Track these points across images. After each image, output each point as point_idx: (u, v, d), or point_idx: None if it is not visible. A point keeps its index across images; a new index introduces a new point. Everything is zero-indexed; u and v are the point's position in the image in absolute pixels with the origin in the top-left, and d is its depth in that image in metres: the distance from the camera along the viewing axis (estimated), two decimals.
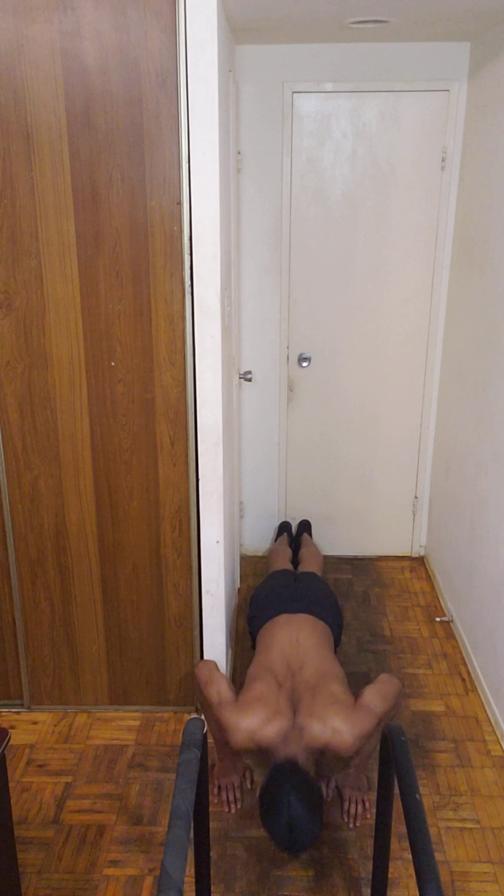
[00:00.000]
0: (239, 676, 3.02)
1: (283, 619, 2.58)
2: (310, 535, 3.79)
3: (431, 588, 3.68)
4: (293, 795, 1.95)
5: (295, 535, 3.83)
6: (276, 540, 3.77)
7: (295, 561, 3.44)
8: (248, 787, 2.47)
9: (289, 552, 3.47)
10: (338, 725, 2.11)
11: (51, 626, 2.72)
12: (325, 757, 2.58)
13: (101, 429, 2.48)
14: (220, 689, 2.29)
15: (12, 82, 2.15)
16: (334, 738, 2.10)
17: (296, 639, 2.48)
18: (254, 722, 2.14)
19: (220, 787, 2.43)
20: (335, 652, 2.57)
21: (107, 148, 2.20)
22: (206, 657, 2.73)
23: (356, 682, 2.98)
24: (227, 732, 2.15)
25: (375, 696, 2.21)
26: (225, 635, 2.71)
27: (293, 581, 2.86)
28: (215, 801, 2.42)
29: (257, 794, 2.03)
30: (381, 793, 1.87)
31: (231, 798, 2.39)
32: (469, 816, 2.35)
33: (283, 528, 3.82)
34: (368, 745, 2.37)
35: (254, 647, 2.65)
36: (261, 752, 2.51)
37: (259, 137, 3.33)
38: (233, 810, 2.37)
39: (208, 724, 2.41)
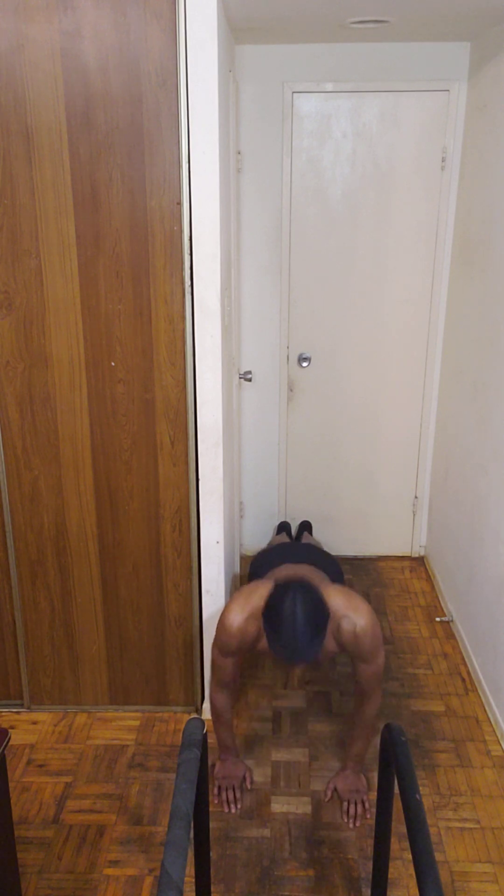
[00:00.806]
0: (238, 677, 3.02)
1: (285, 566, 2.61)
2: (310, 534, 3.79)
3: (431, 588, 3.68)
4: (298, 594, 1.96)
5: (295, 536, 3.83)
6: (275, 536, 3.79)
7: None
8: (249, 787, 2.47)
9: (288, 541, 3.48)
10: (360, 604, 2.18)
11: (51, 626, 2.72)
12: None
13: (101, 429, 2.48)
14: (213, 659, 2.34)
15: (12, 82, 2.15)
16: (353, 612, 2.15)
17: (298, 574, 2.49)
18: (237, 603, 2.20)
19: (220, 788, 2.43)
20: None
21: (107, 148, 2.20)
22: (206, 657, 2.73)
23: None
24: (221, 634, 2.20)
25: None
26: None
27: (294, 544, 2.89)
28: (215, 801, 2.42)
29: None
30: (381, 793, 1.86)
31: (231, 798, 2.39)
32: (469, 816, 2.35)
33: (283, 527, 3.83)
34: (360, 743, 2.37)
35: None
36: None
37: (259, 137, 3.33)
38: (233, 810, 2.37)
39: (216, 715, 2.41)
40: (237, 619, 2.21)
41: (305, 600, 1.97)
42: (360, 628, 2.17)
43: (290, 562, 2.64)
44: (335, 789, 2.44)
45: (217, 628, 2.26)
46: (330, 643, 2.23)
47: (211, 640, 2.70)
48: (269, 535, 3.97)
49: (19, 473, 2.53)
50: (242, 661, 2.31)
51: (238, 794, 2.41)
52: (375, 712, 2.34)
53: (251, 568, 2.78)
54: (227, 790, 2.41)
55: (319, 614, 1.98)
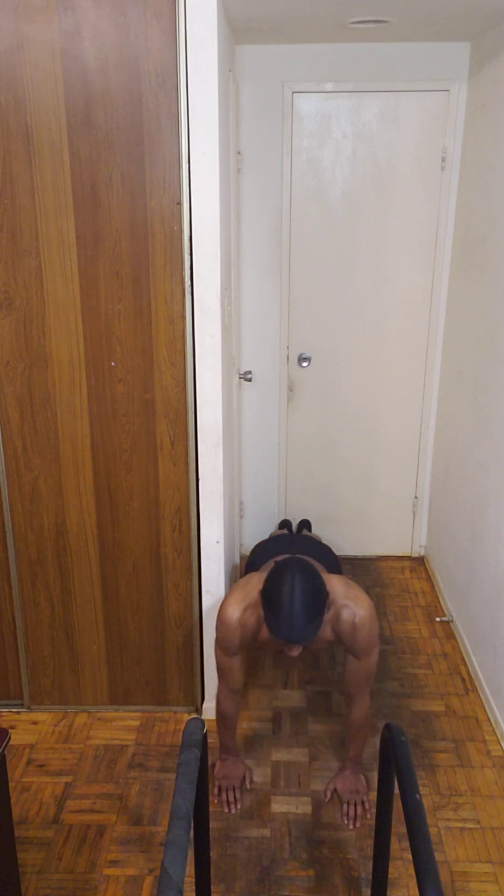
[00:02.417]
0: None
1: (284, 557, 2.59)
2: (309, 532, 3.80)
3: (431, 588, 3.68)
4: (297, 573, 1.95)
5: (295, 532, 3.83)
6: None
7: None
8: (248, 787, 2.47)
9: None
10: (360, 595, 2.17)
11: (51, 626, 2.72)
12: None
13: (101, 429, 2.48)
14: (217, 660, 2.33)
15: (12, 82, 2.15)
16: (353, 602, 2.14)
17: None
18: (234, 595, 2.19)
19: (220, 788, 2.43)
20: None
21: (107, 148, 2.20)
22: (206, 657, 2.73)
23: None
24: (221, 630, 2.20)
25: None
26: None
27: (294, 536, 2.89)
28: (215, 801, 2.41)
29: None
30: (381, 793, 1.86)
31: (231, 798, 2.39)
32: (469, 816, 2.35)
33: (284, 524, 3.83)
34: (355, 745, 2.37)
35: None
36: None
37: (259, 137, 3.33)
38: (233, 811, 2.37)
39: (222, 718, 2.42)
40: (235, 611, 2.21)
41: (305, 579, 1.96)
42: (359, 619, 2.16)
43: (289, 553, 2.63)
44: (335, 790, 2.44)
45: (217, 626, 2.26)
46: (326, 631, 2.22)
47: (211, 640, 2.69)
48: (268, 535, 3.97)
49: (19, 473, 2.53)
50: (247, 660, 2.30)
51: (238, 795, 2.41)
52: (365, 714, 2.34)
53: (250, 557, 2.78)
54: (227, 790, 2.41)
55: (318, 595, 1.97)
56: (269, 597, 1.99)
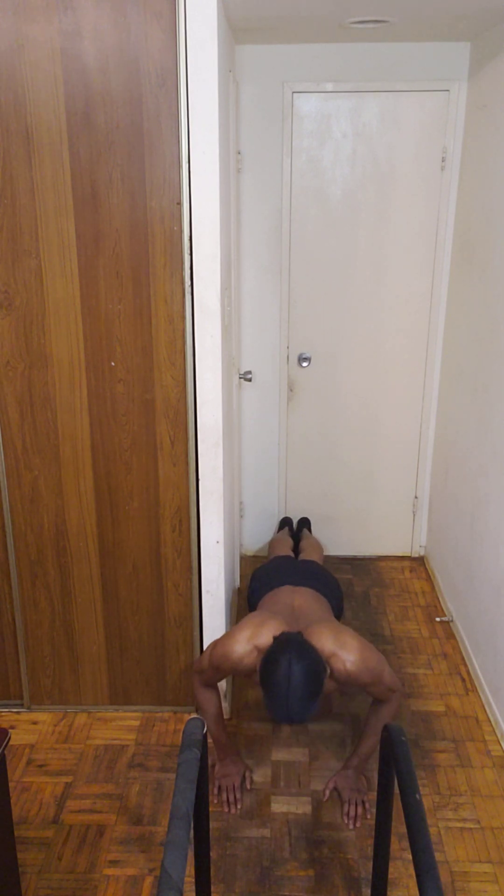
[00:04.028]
0: (238, 677, 3.02)
1: (286, 588, 2.60)
2: (309, 531, 3.80)
3: (431, 588, 3.68)
4: (294, 657, 1.94)
5: (295, 531, 3.84)
6: (277, 532, 3.79)
7: (296, 551, 3.45)
8: (248, 787, 2.47)
9: (290, 542, 3.49)
10: (348, 640, 2.15)
11: (51, 626, 2.72)
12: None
13: (101, 429, 2.48)
14: (201, 664, 2.32)
15: (12, 82, 2.15)
16: (341, 650, 2.12)
17: (297, 603, 2.48)
18: (245, 633, 2.19)
19: (220, 788, 2.43)
20: None
21: (107, 148, 2.20)
22: None
23: None
24: (220, 656, 2.19)
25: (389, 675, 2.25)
26: None
27: (295, 562, 2.88)
28: (215, 801, 2.42)
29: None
30: (381, 793, 1.86)
31: (231, 798, 2.39)
32: (469, 816, 2.35)
33: (285, 522, 3.84)
34: (369, 743, 2.37)
35: None
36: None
37: (259, 137, 3.33)
38: (233, 811, 2.37)
39: (205, 713, 2.41)
40: (240, 650, 2.19)
41: (301, 664, 1.94)
42: (350, 664, 2.13)
43: (291, 583, 2.63)
44: (335, 788, 2.43)
45: (217, 648, 2.24)
46: (329, 685, 2.20)
47: (211, 640, 2.70)
48: (269, 535, 3.97)
49: (19, 473, 2.53)
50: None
51: (238, 795, 2.41)
52: (392, 714, 2.33)
53: (251, 583, 2.79)
54: (227, 790, 2.41)
55: (314, 680, 1.95)
56: (266, 680, 1.97)
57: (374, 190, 3.39)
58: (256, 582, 2.76)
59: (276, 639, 2.05)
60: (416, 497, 3.89)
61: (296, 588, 2.60)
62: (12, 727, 2.76)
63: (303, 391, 3.71)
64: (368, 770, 2.53)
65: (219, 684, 2.72)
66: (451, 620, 3.35)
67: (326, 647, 2.14)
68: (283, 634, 2.06)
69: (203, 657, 2.33)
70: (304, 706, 1.93)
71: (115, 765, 2.57)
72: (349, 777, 2.42)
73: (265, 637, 2.19)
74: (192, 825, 1.55)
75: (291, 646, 1.98)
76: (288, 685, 1.92)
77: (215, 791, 2.43)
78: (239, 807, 2.40)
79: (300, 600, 2.50)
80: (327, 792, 2.43)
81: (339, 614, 2.69)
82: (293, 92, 3.28)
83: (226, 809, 2.38)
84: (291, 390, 3.72)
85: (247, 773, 2.49)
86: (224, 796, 2.40)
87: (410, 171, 3.36)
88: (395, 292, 3.54)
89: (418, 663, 3.10)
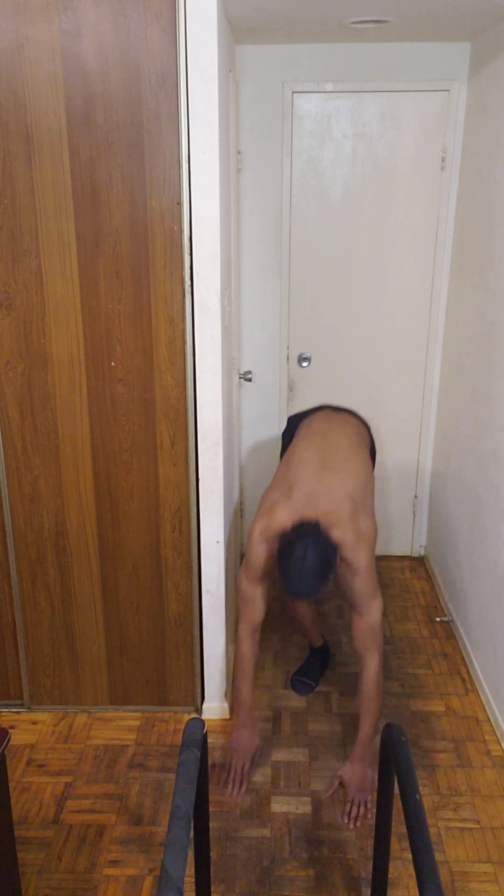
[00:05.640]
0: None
1: (325, 412, 2.71)
2: None
3: (431, 588, 3.68)
4: (311, 543, 2.13)
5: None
6: None
7: None
8: (255, 761, 2.49)
9: None
10: (361, 537, 2.29)
11: (51, 626, 2.72)
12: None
13: (101, 429, 2.48)
14: (242, 590, 2.46)
15: (12, 82, 2.15)
16: (355, 544, 2.27)
17: (332, 439, 2.56)
18: (263, 519, 2.34)
19: (230, 766, 2.44)
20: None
21: (107, 148, 2.20)
22: (206, 657, 2.73)
23: (356, 682, 2.98)
24: (250, 549, 2.35)
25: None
26: (225, 635, 2.71)
27: (332, 413, 2.91)
28: (220, 782, 2.43)
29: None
30: (381, 793, 1.86)
31: (238, 779, 2.41)
32: (469, 816, 2.35)
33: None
34: (365, 726, 2.39)
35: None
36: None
37: (259, 137, 3.33)
38: (236, 794, 2.38)
39: (239, 666, 2.49)
40: (260, 540, 2.35)
41: (314, 553, 2.12)
42: (354, 567, 2.28)
43: (332, 409, 2.74)
44: (341, 783, 2.42)
45: (247, 548, 2.39)
46: (340, 567, 2.33)
47: (211, 640, 2.70)
48: None
49: (19, 473, 2.53)
50: (267, 596, 2.49)
51: (247, 772, 2.44)
52: (375, 677, 2.36)
53: (287, 425, 2.88)
54: (235, 771, 2.43)
55: (326, 565, 2.15)
56: (282, 560, 2.16)
57: (374, 190, 3.39)
58: (293, 417, 2.85)
59: (294, 528, 2.20)
60: (416, 497, 3.89)
61: (335, 413, 2.70)
62: (12, 727, 2.76)
63: (303, 391, 3.71)
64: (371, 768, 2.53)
65: (219, 683, 2.72)
66: (451, 620, 3.35)
67: (347, 547, 2.27)
68: (301, 524, 2.22)
69: (241, 579, 2.44)
70: (315, 585, 2.14)
71: (115, 765, 2.57)
72: (356, 772, 2.40)
73: (277, 525, 2.30)
74: (192, 825, 1.55)
75: (308, 535, 2.16)
76: (302, 567, 2.12)
77: (219, 781, 2.45)
78: (244, 789, 2.40)
79: (336, 432, 2.58)
80: (335, 784, 2.42)
81: (373, 455, 2.78)
82: (293, 92, 3.28)
83: (233, 792, 2.39)
84: (291, 390, 3.72)
85: (257, 749, 2.52)
86: (234, 775, 2.42)
87: (410, 171, 3.36)
88: (395, 292, 3.54)
89: (418, 663, 3.10)
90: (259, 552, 2.35)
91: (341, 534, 2.26)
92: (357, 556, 2.27)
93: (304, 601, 2.25)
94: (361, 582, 2.30)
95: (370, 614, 2.34)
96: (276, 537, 2.32)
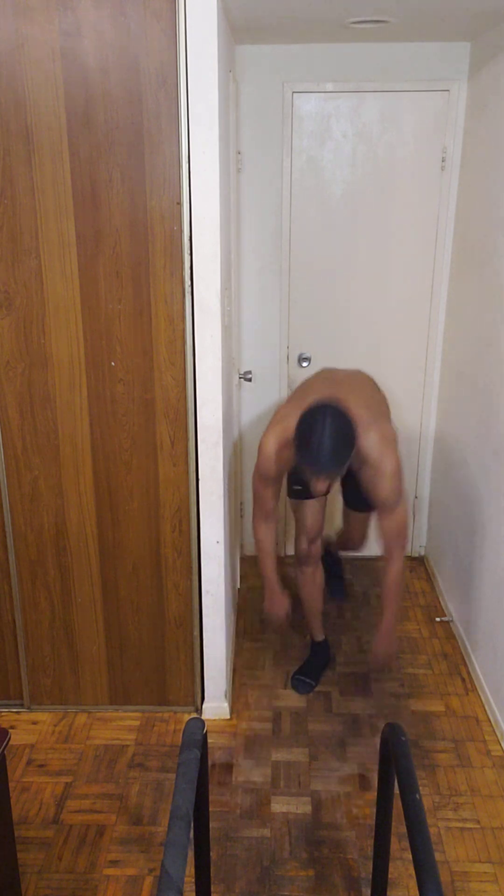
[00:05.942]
0: (238, 677, 3.02)
1: (332, 369, 2.75)
2: None
3: (431, 588, 3.68)
4: (330, 414, 2.13)
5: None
6: None
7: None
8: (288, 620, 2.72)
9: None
10: (383, 424, 2.35)
11: (51, 626, 2.72)
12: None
13: (101, 429, 2.48)
14: (256, 490, 2.54)
15: (12, 82, 2.15)
16: (372, 425, 2.30)
17: (339, 376, 2.59)
18: (274, 430, 2.38)
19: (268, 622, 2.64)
20: None
21: (107, 148, 2.20)
22: (206, 657, 2.73)
23: (356, 682, 2.98)
24: (261, 461, 2.40)
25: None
26: (225, 635, 2.71)
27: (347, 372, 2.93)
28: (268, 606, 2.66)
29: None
30: (381, 793, 1.86)
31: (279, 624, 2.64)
32: (469, 816, 2.35)
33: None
34: (389, 610, 2.51)
35: None
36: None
37: (259, 137, 3.33)
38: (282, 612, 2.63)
39: (261, 549, 2.62)
40: (272, 446, 2.40)
41: (333, 422, 2.11)
42: (370, 444, 2.29)
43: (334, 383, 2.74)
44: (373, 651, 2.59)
45: (258, 456, 2.45)
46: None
47: (211, 640, 2.70)
48: None
49: (19, 473, 2.53)
50: (278, 492, 2.57)
51: (285, 623, 2.65)
52: (398, 573, 2.44)
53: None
54: (275, 626, 2.63)
55: (345, 437, 2.14)
56: (301, 435, 2.16)
57: (374, 190, 3.39)
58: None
59: (311, 407, 2.19)
60: (416, 497, 3.89)
61: (345, 370, 2.72)
62: (12, 727, 2.76)
63: None
64: (368, 771, 2.53)
65: (219, 683, 2.72)
66: (451, 620, 3.35)
67: (372, 452, 2.29)
68: (319, 403, 2.20)
69: (254, 480, 2.51)
70: (335, 458, 2.12)
71: (115, 765, 2.57)
72: (383, 638, 2.55)
73: (290, 428, 2.32)
74: (192, 825, 1.55)
75: (327, 406, 2.16)
76: (322, 436, 2.10)
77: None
78: (288, 610, 2.62)
79: (346, 376, 2.61)
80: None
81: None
82: (293, 92, 3.28)
83: (279, 613, 2.61)
84: (291, 390, 3.72)
85: (288, 609, 2.66)
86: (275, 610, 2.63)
87: (410, 171, 3.36)
88: (395, 292, 3.54)
89: (418, 663, 3.10)
90: (270, 457, 2.37)
91: (358, 415, 2.28)
92: (383, 460, 2.29)
93: (325, 479, 2.19)
94: (389, 485, 2.32)
95: (398, 512, 2.38)
96: (288, 442, 2.33)
